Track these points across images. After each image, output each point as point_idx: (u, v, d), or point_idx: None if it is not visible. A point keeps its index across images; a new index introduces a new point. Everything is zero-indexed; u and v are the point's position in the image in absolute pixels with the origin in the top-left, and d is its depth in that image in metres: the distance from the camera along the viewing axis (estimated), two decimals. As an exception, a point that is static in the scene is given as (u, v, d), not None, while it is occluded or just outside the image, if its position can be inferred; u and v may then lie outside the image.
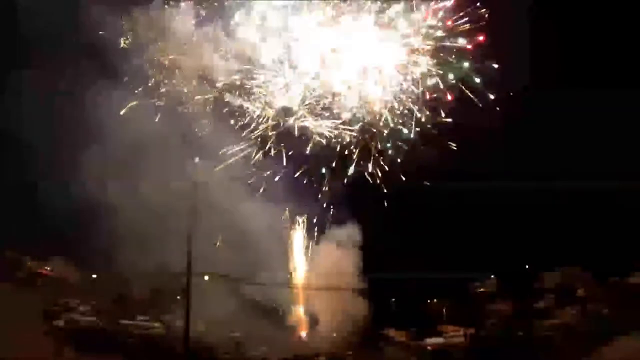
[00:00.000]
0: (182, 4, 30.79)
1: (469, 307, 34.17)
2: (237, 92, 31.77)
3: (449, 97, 31.09)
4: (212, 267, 29.08)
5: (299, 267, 35.41)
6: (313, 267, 35.09)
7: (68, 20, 28.54)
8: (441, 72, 30.92)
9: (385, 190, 32.27)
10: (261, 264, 31.88)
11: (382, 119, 31.87)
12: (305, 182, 32.94)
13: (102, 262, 30.50)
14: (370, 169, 32.42)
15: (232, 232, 30.67)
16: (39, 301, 29.62)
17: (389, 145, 32.22)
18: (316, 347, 32.45)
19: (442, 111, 31.42)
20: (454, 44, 30.57)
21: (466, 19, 30.20)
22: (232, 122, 32.38)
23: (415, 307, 35.60)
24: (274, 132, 32.39)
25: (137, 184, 29.12)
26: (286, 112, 31.90)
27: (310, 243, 35.33)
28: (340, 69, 31.52)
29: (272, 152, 32.63)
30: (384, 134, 32.08)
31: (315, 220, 34.78)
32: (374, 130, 32.13)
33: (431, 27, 30.67)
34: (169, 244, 28.17)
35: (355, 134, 32.24)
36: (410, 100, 31.53)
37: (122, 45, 30.65)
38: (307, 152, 32.53)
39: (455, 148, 31.51)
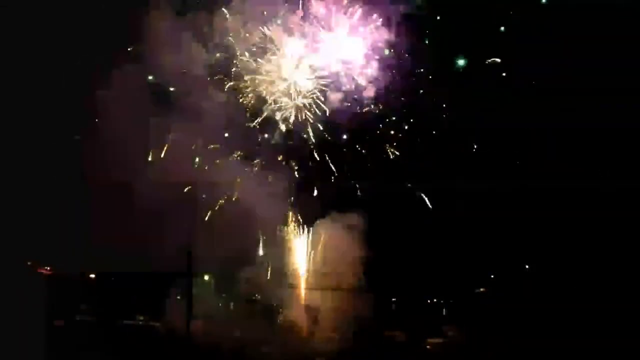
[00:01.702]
0: None
1: (469, 307, 34.18)
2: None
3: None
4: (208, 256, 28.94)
5: (299, 258, 35.22)
6: (314, 257, 34.87)
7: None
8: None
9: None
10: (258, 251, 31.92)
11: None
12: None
13: (102, 261, 30.48)
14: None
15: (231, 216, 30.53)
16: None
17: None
18: (316, 347, 32.41)
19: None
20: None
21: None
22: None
23: (415, 307, 35.59)
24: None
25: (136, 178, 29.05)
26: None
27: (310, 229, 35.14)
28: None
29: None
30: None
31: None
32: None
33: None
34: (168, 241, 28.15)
35: None
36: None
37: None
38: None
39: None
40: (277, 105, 32.11)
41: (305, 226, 34.80)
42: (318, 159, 32.82)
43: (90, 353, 26.80)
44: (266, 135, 32.45)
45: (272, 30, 31.40)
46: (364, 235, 33.13)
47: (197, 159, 31.08)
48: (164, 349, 28.63)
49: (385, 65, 32.04)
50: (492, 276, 34.61)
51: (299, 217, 34.70)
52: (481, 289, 34.65)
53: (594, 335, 28.12)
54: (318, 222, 34.16)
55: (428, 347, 33.26)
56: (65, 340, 27.21)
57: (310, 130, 32.31)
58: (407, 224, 32.92)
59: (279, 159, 32.34)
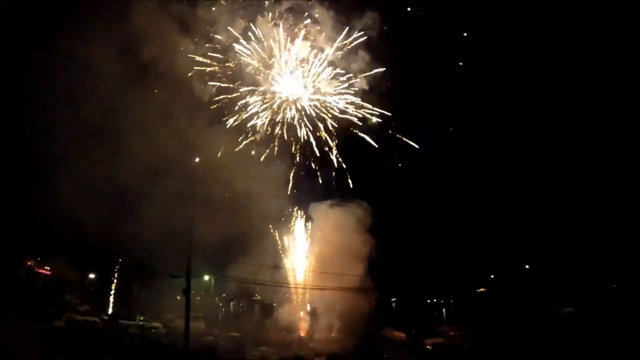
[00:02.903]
0: None
1: (469, 307, 34.18)
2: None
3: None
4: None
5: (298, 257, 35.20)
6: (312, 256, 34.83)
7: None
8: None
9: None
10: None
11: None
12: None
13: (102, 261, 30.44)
14: None
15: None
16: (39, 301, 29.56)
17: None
18: (316, 347, 32.39)
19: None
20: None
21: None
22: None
23: (415, 307, 35.58)
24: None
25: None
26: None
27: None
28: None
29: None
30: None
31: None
32: None
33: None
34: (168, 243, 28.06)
35: None
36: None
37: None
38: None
39: None
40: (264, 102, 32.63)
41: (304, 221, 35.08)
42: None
43: (90, 353, 26.70)
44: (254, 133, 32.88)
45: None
46: (364, 234, 33.30)
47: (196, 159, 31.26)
48: (164, 349, 28.55)
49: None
50: (492, 276, 34.60)
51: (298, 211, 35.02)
52: (481, 289, 34.66)
53: (594, 335, 28.05)
54: (315, 206, 34.30)
55: (428, 347, 33.21)
56: (65, 340, 27.11)
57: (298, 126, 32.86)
58: (407, 223, 32.97)
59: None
